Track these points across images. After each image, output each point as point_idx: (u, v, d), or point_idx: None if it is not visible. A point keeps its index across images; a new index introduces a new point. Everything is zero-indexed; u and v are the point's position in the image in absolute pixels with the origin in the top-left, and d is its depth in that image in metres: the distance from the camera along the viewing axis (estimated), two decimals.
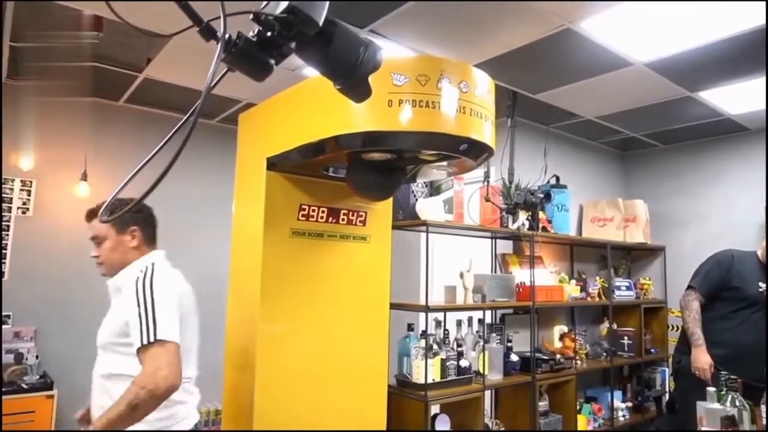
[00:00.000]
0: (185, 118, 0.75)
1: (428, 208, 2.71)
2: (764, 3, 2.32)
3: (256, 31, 0.69)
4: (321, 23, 0.67)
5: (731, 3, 2.35)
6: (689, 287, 2.97)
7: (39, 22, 2.69)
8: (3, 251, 3.55)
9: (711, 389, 1.93)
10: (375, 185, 1.86)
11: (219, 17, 0.64)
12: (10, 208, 3.60)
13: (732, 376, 1.92)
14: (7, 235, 3.58)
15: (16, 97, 3.55)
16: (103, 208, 0.71)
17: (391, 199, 2.19)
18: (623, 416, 3.85)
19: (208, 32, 0.65)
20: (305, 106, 1.78)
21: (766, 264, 2.87)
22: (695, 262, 3.11)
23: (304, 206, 2.00)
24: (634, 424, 3.90)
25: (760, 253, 2.94)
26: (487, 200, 3.10)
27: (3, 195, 3.57)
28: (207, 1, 0.71)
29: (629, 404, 3.99)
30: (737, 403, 1.89)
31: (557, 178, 3.98)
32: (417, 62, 1.60)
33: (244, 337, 2.00)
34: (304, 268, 2.00)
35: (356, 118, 1.54)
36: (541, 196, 3.26)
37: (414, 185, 2.81)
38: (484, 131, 1.64)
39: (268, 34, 0.68)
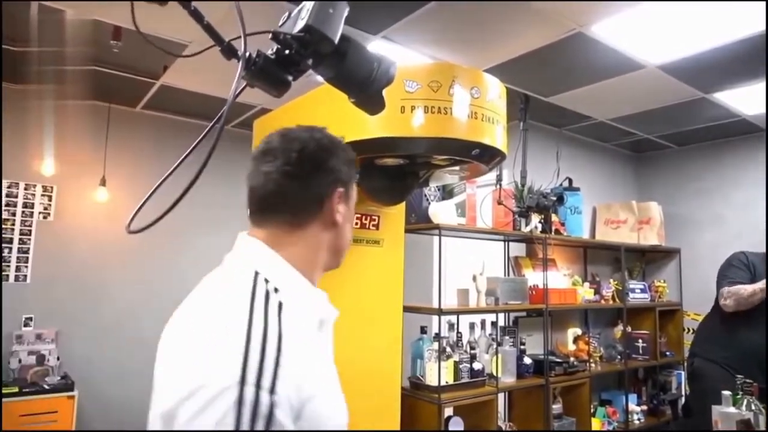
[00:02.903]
0: (210, 126, 0.78)
1: (441, 211, 2.73)
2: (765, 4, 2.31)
3: (274, 49, 0.72)
4: (336, 41, 0.70)
5: (743, 4, 2.34)
6: (721, 289, 2.87)
7: (58, 29, 2.76)
8: (25, 255, 3.64)
9: (726, 393, 1.92)
10: (388, 190, 1.89)
11: (240, 37, 0.67)
12: (32, 213, 3.69)
13: (748, 380, 1.91)
14: (30, 239, 3.67)
15: (36, 103, 3.64)
16: (131, 218, 0.73)
17: (403, 203, 2.22)
18: (638, 419, 3.82)
19: (229, 51, 0.69)
20: (319, 112, 1.82)
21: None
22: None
23: None
24: (650, 427, 3.87)
25: None
26: (500, 203, 3.11)
27: (26, 200, 3.67)
28: (221, 1, 0.74)
29: (644, 407, 3.96)
30: (753, 407, 1.88)
31: (570, 181, 3.98)
32: (429, 69, 1.63)
33: None
34: None
35: (369, 124, 1.57)
36: (554, 198, 3.27)
37: (426, 189, 2.83)
38: (496, 136, 1.66)
39: (286, 52, 0.71)
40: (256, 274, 0.77)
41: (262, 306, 0.72)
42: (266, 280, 0.77)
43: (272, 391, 0.64)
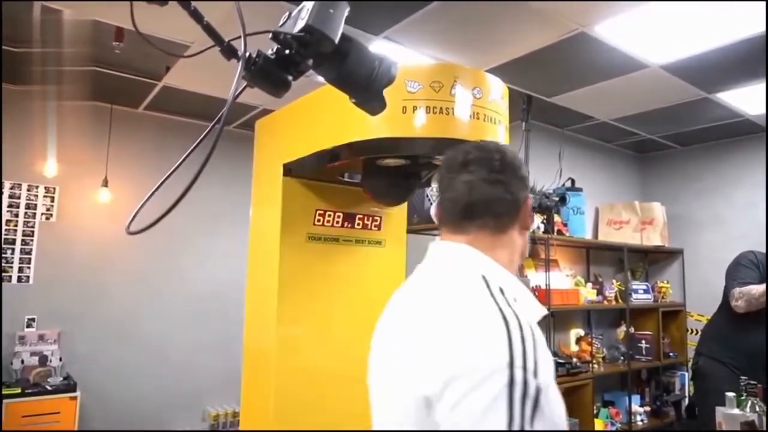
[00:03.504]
0: (210, 126, 0.78)
1: None
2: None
3: (274, 50, 0.71)
4: (337, 41, 0.70)
5: (745, 4, 2.33)
6: (732, 290, 2.86)
7: (59, 30, 2.76)
8: (28, 256, 3.64)
9: (730, 394, 1.91)
10: (390, 190, 1.88)
11: (240, 37, 0.67)
12: (35, 214, 3.70)
13: (752, 381, 1.90)
14: (32, 240, 3.67)
15: (39, 104, 3.65)
16: (130, 219, 0.72)
17: (405, 203, 2.21)
18: (641, 420, 3.81)
19: (229, 51, 0.68)
20: (321, 113, 1.81)
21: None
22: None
23: (320, 211, 2.03)
24: (653, 428, 3.86)
25: None
26: None
27: (28, 201, 3.68)
28: (221, 0, 0.74)
29: (647, 408, 3.95)
30: (757, 409, 1.87)
31: (572, 181, 3.97)
32: (430, 69, 1.62)
33: (262, 339, 2.03)
34: (320, 272, 2.02)
35: (371, 124, 1.56)
36: (557, 199, 3.26)
37: (428, 190, 2.82)
38: (498, 136, 1.65)
39: (287, 52, 0.70)
40: (480, 273, 0.81)
41: (503, 299, 0.76)
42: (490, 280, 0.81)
43: (536, 375, 0.66)
